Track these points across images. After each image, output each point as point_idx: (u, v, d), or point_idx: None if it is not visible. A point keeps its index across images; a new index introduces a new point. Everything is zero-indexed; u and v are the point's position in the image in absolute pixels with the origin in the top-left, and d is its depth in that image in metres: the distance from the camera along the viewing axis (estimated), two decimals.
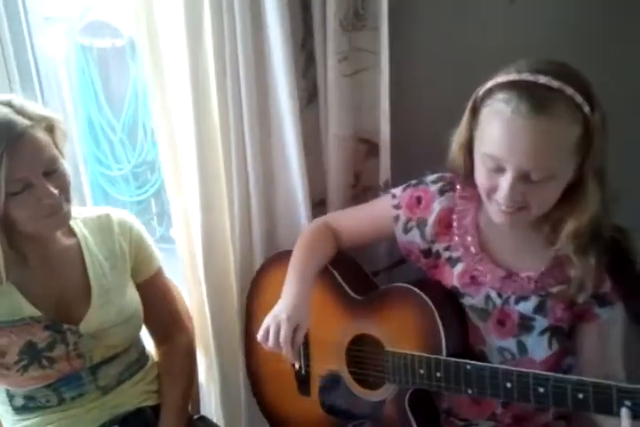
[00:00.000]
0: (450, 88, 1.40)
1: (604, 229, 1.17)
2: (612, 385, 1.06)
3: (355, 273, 1.51)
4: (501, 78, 1.13)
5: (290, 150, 1.54)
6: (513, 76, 1.11)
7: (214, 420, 1.72)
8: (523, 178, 1.11)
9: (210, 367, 1.79)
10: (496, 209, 1.17)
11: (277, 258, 1.55)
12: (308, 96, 1.57)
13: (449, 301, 1.31)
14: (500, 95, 1.11)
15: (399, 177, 1.55)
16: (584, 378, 1.09)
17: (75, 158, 3.72)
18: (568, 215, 1.17)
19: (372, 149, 1.60)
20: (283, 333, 1.28)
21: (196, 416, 1.63)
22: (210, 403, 1.81)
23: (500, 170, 1.12)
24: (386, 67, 1.49)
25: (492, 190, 1.15)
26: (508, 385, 1.16)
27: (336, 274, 1.46)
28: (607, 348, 1.25)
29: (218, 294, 1.68)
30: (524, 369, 1.16)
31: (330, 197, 1.62)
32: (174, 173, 1.64)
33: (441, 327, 1.26)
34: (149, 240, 1.53)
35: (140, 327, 1.51)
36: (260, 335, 1.31)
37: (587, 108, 1.08)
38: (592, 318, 1.24)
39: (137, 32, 1.54)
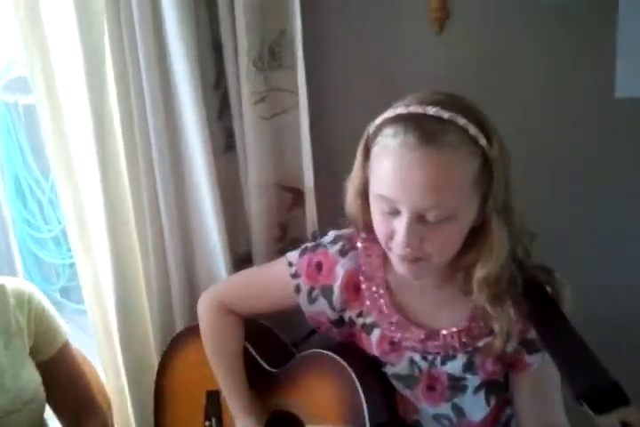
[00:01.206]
0: None
1: (522, 271, 1.08)
2: None
3: (268, 343, 1.37)
4: (388, 113, 1.03)
5: (206, 204, 1.41)
6: (400, 110, 1.01)
7: None
8: (419, 219, 1.00)
9: None
10: (397, 259, 1.06)
11: (187, 333, 1.42)
12: (225, 143, 1.45)
13: (369, 365, 1.19)
14: (387, 130, 1.01)
15: (330, 226, 1.41)
16: None
17: (3, 221, 3.53)
18: (476, 261, 1.06)
19: (296, 197, 1.48)
20: None
21: None
22: None
23: (395, 212, 1.01)
24: (305, 107, 1.38)
25: (390, 237, 1.04)
26: None
27: (248, 346, 1.33)
28: (545, 396, 1.15)
29: (137, 371, 1.53)
30: None
31: (255, 251, 1.49)
32: (80, 238, 1.50)
33: (362, 395, 1.13)
34: (52, 311, 1.36)
35: (42, 414, 1.33)
36: None
37: (483, 141, 0.99)
38: (523, 367, 1.15)
39: (36, 92, 1.40)
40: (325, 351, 1.20)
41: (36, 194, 3.50)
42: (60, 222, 3.47)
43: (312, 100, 1.39)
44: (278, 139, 1.43)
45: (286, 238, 1.50)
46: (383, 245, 1.08)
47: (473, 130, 0.98)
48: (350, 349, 1.23)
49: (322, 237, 1.38)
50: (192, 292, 1.49)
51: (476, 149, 0.99)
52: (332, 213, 1.41)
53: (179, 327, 1.49)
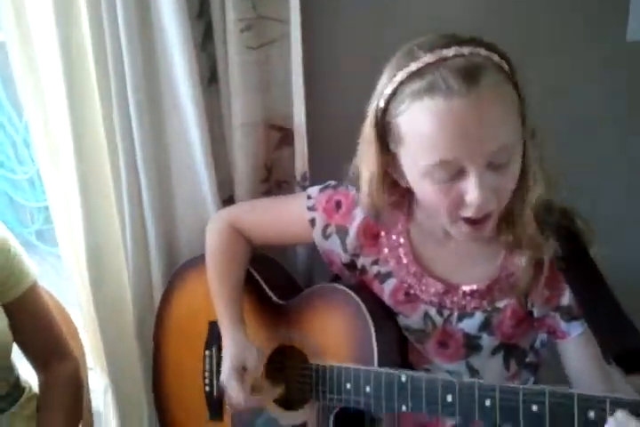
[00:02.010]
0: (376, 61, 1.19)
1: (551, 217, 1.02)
2: (574, 393, 0.88)
3: (277, 275, 1.34)
4: (403, 73, 0.92)
5: (192, 138, 1.32)
6: (425, 59, 0.91)
7: None
8: (488, 169, 0.92)
9: (106, 393, 1.55)
10: (462, 225, 0.98)
11: (190, 265, 1.37)
12: (209, 76, 1.35)
13: (383, 306, 1.15)
14: (415, 86, 0.91)
15: (318, 168, 1.36)
16: (539, 386, 0.92)
17: None
18: (518, 194, 0.98)
19: (285, 136, 1.38)
20: (234, 396, 1.13)
21: None
22: None
23: (458, 174, 0.92)
24: (297, 38, 1.27)
25: (456, 205, 0.95)
26: (449, 399, 0.99)
27: (257, 276, 1.29)
28: (600, 367, 1.05)
29: (111, 313, 1.46)
30: (468, 379, 0.99)
31: (238, 193, 1.40)
32: (54, 181, 1.42)
33: (373, 332, 1.08)
34: (18, 251, 1.27)
35: (8, 357, 1.27)
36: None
37: (506, 66, 0.94)
38: (561, 335, 1.08)
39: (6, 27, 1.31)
40: (339, 286, 1.16)
41: (10, 134, 3.38)
42: (34, 164, 3.37)
43: (306, 31, 1.29)
44: (266, 72, 1.32)
45: (271, 180, 1.42)
46: (446, 218, 0.98)
47: (497, 58, 0.92)
48: (366, 289, 1.18)
49: (312, 178, 1.32)
50: (169, 224, 1.42)
51: (508, 77, 0.93)
52: (323, 154, 1.36)
53: (155, 270, 1.43)
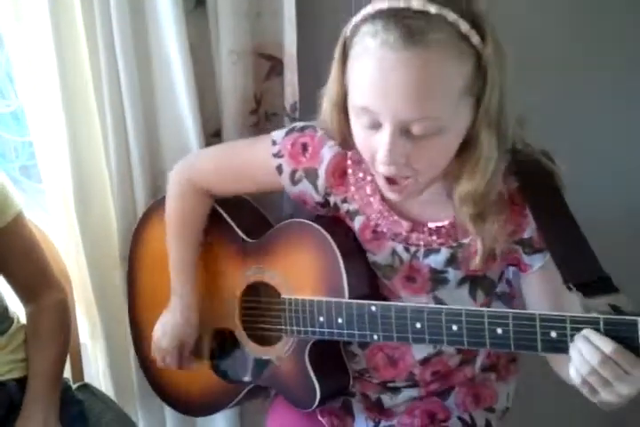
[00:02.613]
0: None
1: (519, 159, 1.01)
2: (535, 314, 0.92)
3: (246, 212, 1.31)
4: (367, 9, 0.91)
5: (174, 68, 1.28)
6: (380, 4, 0.88)
7: (101, 387, 1.51)
8: (403, 133, 0.90)
9: (93, 327, 1.55)
10: (382, 182, 0.99)
11: (159, 204, 1.34)
12: None
13: (352, 238, 1.14)
14: (366, 28, 0.89)
15: (308, 100, 1.27)
16: (503, 309, 0.98)
17: None
18: (461, 174, 0.99)
19: (275, 65, 1.34)
20: (168, 361, 1.30)
21: (76, 385, 1.41)
22: (96, 368, 1.58)
23: (377, 126, 0.92)
24: None
25: (373, 155, 0.95)
26: (418, 325, 1.01)
27: (224, 214, 1.27)
28: (556, 300, 1.07)
29: (96, 243, 1.44)
30: (435, 305, 1.03)
31: (226, 125, 1.37)
32: (37, 115, 1.39)
33: (342, 265, 1.09)
34: (2, 181, 1.25)
35: None
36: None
37: (476, 39, 0.88)
38: (525, 268, 1.09)
39: None
40: (307, 221, 1.15)
41: None
42: (17, 97, 3.28)
43: None
44: None
45: (260, 111, 1.38)
46: (370, 165, 0.98)
47: (464, 26, 0.87)
48: (335, 222, 1.17)
49: (302, 109, 1.29)
50: (156, 158, 1.40)
51: (469, 49, 0.88)
52: (314, 85, 1.32)
53: (140, 204, 1.41)
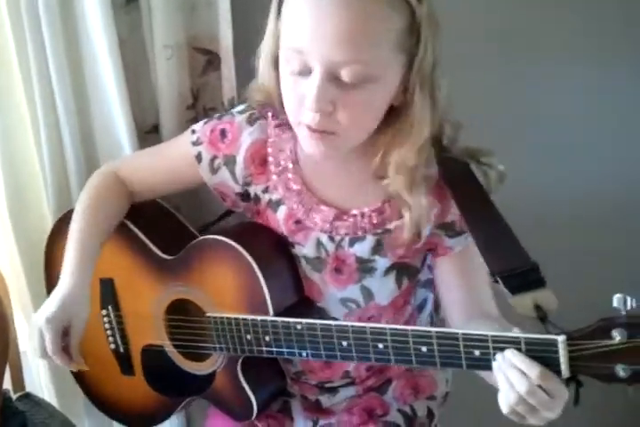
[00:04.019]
0: None
1: (445, 153, 1.02)
2: (458, 334, 0.92)
3: (167, 227, 1.26)
4: None
5: (103, 66, 1.24)
6: None
7: (45, 396, 1.45)
8: (333, 79, 0.90)
9: (32, 333, 1.49)
10: (304, 133, 0.96)
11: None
12: None
13: (272, 247, 1.13)
14: None
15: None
16: (426, 328, 0.96)
17: None
18: (393, 143, 0.99)
19: (211, 60, 1.32)
20: (47, 343, 1.10)
21: (16, 395, 1.35)
22: (37, 376, 1.52)
23: (306, 71, 0.91)
24: None
25: (299, 103, 0.94)
26: (344, 344, 1.01)
27: (137, 231, 1.22)
28: (470, 278, 1.09)
29: (31, 247, 1.38)
30: (358, 323, 1.00)
31: (163, 121, 1.34)
32: None
33: (262, 281, 1.06)
34: None
35: None
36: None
37: (416, 16, 0.90)
38: (444, 251, 1.09)
39: None
40: (219, 237, 1.11)
41: None
42: None
43: None
44: None
45: (198, 106, 1.36)
46: (292, 117, 0.98)
47: None
48: (251, 229, 1.16)
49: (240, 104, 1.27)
50: (89, 158, 1.35)
51: (403, 4, 0.89)
52: (251, 79, 1.30)
53: (75, 198, 1.32)
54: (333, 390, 1.22)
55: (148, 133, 1.36)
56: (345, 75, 0.89)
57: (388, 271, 1.10)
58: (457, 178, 1.02)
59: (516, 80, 1.54)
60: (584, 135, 1.64)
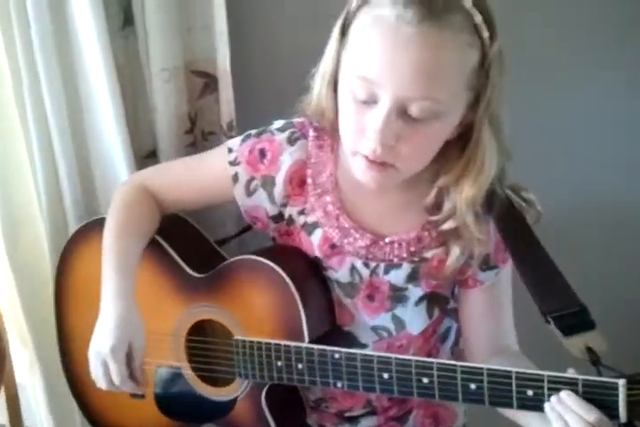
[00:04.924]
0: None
1: (499, 188, 1.00)
2: (512, 372, 0.89)
3: (194, 244, 1.23)
4: None
5: (100, 92, 1.22)
6: None
7: None
8: (400, 112, 0.87)
9: (31, 365, 1.46)
10: (361, 163, 0.93)
11: (91, 226, 1.24)
12: (123, 18, 1.25)
13: (310, 271, 1.09)
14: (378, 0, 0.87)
15: (245, 117, 1.29)
16: (477, 364, 0.92)
17: None
18: (460, 179, 0.96)
19: (209, 83, 1.30)
20: (114, 373, 1.06)
21: None
22: (37, 408, 1.49)
23: (372, 101, 0.88)
24: None
25: (360, 133, 0.91)
26: (386, 376, 0.97)
27: (167, 247, 1.18)
28: (495, 312, 1.09)
29: (27, 275, 1.35)
30: (403, 356, 0.96)
31: (160, 146, 1.32)
32: None
33: (300, 306, 1.03)
34: None
35: None
36: (93, 378, 1.10)
37: (486, 33, 0.87)
38: (474, 283, 1.07)
39: None
40: (260, 258, 1.07)
41: None
42: None
43: None
44: (186, 14, 1.25)
45: (196, 130, 1.34)
46: (349, 145, 0.95)
47: (478, 18, 0.86)
48: (288, 252, 1.12)
49: (239, 127, 1.26)
50: (86, 184, 1.33)
51: (478, 41, 0.88)
52: (249, 101, 1.29)
53: (72, 225, 1.33)
54: (354, 420, 1.18)
55: (146, 159, 1.35)
56: (414, 110, 0.87)
57: (419, 301, 1.08)
58: (502, 213, 1.01)
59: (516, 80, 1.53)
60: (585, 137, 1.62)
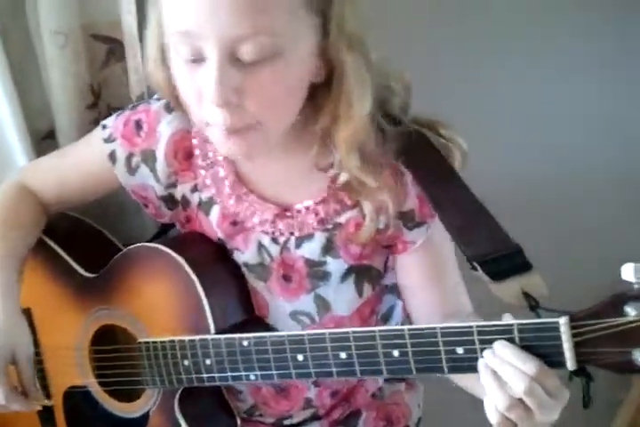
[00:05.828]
0: None
1: (398, 127, 0.91)
2: (436, 329, 0.78)
3: (86, 240, 1.12)
4: None
5: None
6: None
7: None
8: (233, 59, 0.78)
9: None
10: (218, 134, 0.84)
11: None
12: None
13: (215, 256, 1.00)
14: None
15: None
16: (397, 327, 0.86)
17: None
18: (334, 120, 0.86)
19: (113, 49, 1.16)
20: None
21: None
22: None
23: (200, 58, 0.79)
24: None
25: (199, 98, 0.82)
26: (300, 358, 0.87)
27: (54, 246, 1.08)
28: (440, 282, 0.98)
29: None
30: (315, 331, 0.87)
31: (59, 124, 1.17)
32: None
33: (202, 292, 0.93)
34: None
35: None
36: None
37: None
38: (404, 246, 0.97)
39: None
40: (155, 245, 0.98)
41: None
42: None
43: None
44: None
45: (100, 105, 1.19)
46: (196, 117, 0.86)
47: None
48: (189, 237, 1.03)
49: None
50: None
51: None
52: None
53: None
54: None
55: (45, 140, 1.21)
56: (247, 52, 0.77)
57: (345, 276, 0.98)
58: (416, 154, 0.92)
59: (515, 81, 1.55)
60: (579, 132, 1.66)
